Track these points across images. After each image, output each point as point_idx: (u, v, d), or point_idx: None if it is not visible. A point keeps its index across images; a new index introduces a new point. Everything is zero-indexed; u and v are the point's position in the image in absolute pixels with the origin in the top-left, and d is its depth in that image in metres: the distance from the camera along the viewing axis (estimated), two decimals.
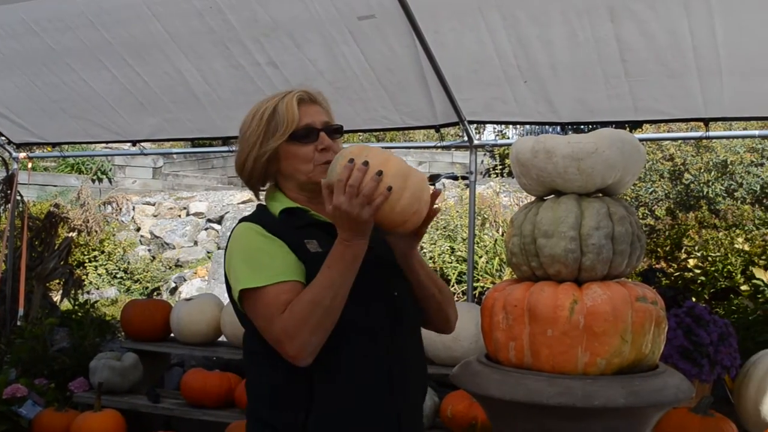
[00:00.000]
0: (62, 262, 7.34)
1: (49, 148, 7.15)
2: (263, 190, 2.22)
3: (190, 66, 4.99)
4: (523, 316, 1.87)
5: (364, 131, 6.16)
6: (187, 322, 5.27)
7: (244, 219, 2.12)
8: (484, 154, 13.60)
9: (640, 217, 8.22)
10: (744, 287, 5.98)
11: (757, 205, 7.94)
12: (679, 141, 8.27)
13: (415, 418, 2.18)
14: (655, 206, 8.51)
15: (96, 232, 10.68)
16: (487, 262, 8.16)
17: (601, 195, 1.98)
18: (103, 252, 10.70)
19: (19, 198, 7.01)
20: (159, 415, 5.14)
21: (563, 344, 1.81)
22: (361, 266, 1.93)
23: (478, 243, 8.29)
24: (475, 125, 5.53)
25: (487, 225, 9.07)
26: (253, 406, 2.11)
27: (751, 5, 3.70)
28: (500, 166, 11.49)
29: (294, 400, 1.98)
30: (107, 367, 5.10)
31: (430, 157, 14.08)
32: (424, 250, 8.50)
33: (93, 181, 13.12)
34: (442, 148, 10.24)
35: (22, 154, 6.71)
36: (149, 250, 11.10)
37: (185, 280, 10.05)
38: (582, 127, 5.13)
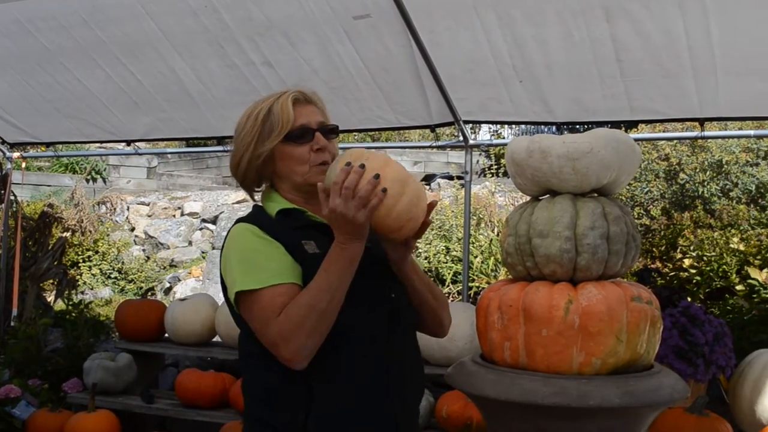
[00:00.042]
0: (56, 262, 7.33)
1: (43, 148, 7.14)
2: (258, 191, 2.21)
3: (185, 65, 4.98)
4: (518, 316, 1.86)
5: (359, 131, 6.16)
6: (181, 322, 5.26)
7: (240, 220, 2.10)
8: (480, 154, 13.61)
9: (636, 216, 8.23)
10: (739, 287, 5.98)
11: (752, 205, 7.95)
12: (675, 141, 8.28)
13: (412, 418, 2.18)
14: (651, 206, 8.52)
15: (90, 232, 10.66)
16: (482, 262, 8.16)
17: (596, 195, 1.98)
18: (97, 252, 10.68)
19: (12, 198, 7.00)
20: (153, 415, 5.12)
21: (558, 344, 1.81)
22: (359, 268, 1.92)
23: (473, 243, 8.29)
24: (470, 125, 5.53)
25: (483, 225, 9.08)
26: (251, 407, 2.11)
27: (746, 5, 3.70)
28: (495, 166, 11.50)
29: (293, 400, 1.98)
30: (101, 367, 5.09)
31: (425, 157, 14.09)
32: (420, 250, 8.50)
33: (87, 180, 13.10)
34: (438, 147, 10.23)
35: (16, 154, 6.69)
36: (143, 250, 11.08)
37: (180, 280, 10.03)
38: (577, 126, 5.13)
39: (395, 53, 4.55)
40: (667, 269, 6.92)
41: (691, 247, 6.92)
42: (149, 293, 10.13)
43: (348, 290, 1.91)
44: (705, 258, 6.55)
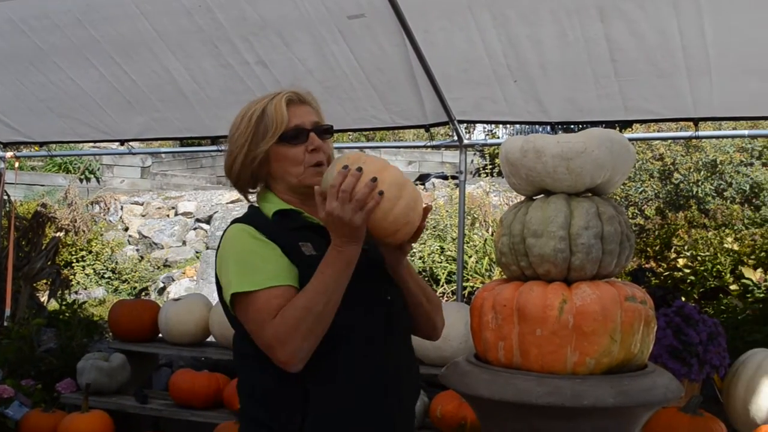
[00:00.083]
0: (49, 262, 7.32)
1: (36, 148, 7.12)
2: (253, 192, 2.20)
3: (179, 65, 4.97)
4: (512, 316, 1.86)
5: (354, 131, 6.16)
6: (175, 322, 5.25)
7: (236, 220, 2.10)
8: (474, 154, 13.62)
9: (630, 216, 8.24)
10: (733, 287, 6.00)
11: (746, 205, 7.97)
12: (669, 141, 8.30)
13: (408, 419, 2.18)
14: (645, 206, 8.54)
15: (84, 231, 10.64)
16: (476, 262, 8.17)
17: (590, 194, 1.98)
18: (90, 252, 10.66)
19: (5, 198, 6.98)
20: (147, 416, 5.11)
21: (552, 344, 1.80)
22: (356, 270, 1.92)
23: (467, 243, 8.30)
24: (465, 125, 5.53)
25: (477, 225, 9.08)
26: (246, 408, 2.10)
27: (740, 5, 3.71)
28: (490, 166, 11.51)
29: (289, 401, 1.97)
30: (95, 367, 5.07)
31: (419, 157, 14.09)
32: (414, 250, 8.50)
33: (81, 180, 13.07)
34: (432, 147, 10.25)
35: (9, 154, 6.67)
36: (137, 250, 11.06)
37: (173, 280, 10.02)
38: (572, 126, 5.13)
39: (390, 53, 4.55)
40: (661, 269, 6.94)
41: (686, 247, 6.93)
42: (143, 293, 10.11)
43: (345, 292, 1.91)
44: (699, 258, 6.56)
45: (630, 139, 3.06)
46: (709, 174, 8.21)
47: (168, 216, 11.71)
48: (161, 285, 10.04)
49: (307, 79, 4.71)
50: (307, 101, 2.15)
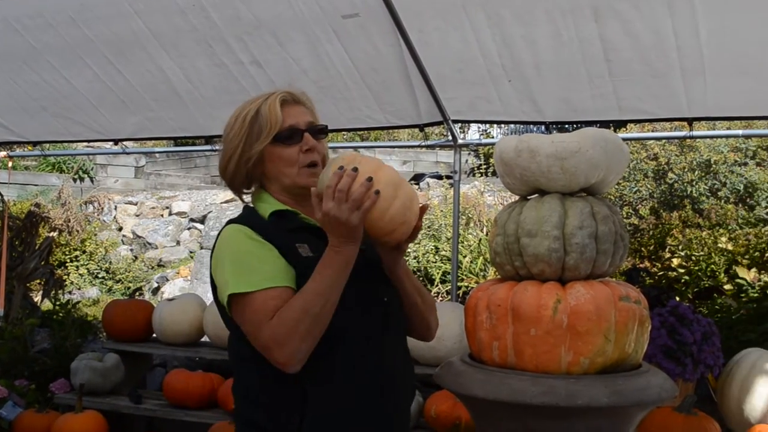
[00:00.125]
0: (43, 262, 7.30)
1: (29, 147, 7.09)
2: (247, 193, 2.20)
3: (173, 64, 4.96)
4: (506, 316, 1.86)
5: (348, 130, 6.16)
6: (169, 322, 5.24)
7: (231, 221, 2.09)
8: (469, 154, 13.64)
9: (624, 216, 8.25)
10: (727, 286, 6.01)
11: (740, 205, 7.99)
12: (663, 140, 8.31)
13: (404, 419, 2.18)
14: (639, 205, 8.55)
15: (77, 231, 10.62)
16: (471, 262, 8.17)
17: (584, 194, 1.98)
18: (84, 252, 10.64)
19: None
20: (141, 416, 5.10)
21: (547, 344, 1.80)
22: (353, 271, 1.92)
23: (462, 242, 8.30)
24: (459, 124, 5.53)
25: (472, 224, 9.08)
26: (242, 409, 2.09)
27: (735, 5, 3.71)
28: (485, 166, 11.52)
29: (286, 402, 1.97)
30: (89, 367, 5.06)
31: (414, 157, 14.10)
32: (409, 250, 8.49)
33: (74, 180, 13.05)
34: (427, 147, 10.24)
35: (2, 153, 6.66)
36: (131, 250, 11.04)
37: (168, 280, 10.00)
38: (566, 126, 5.14)
39: (384, 53, 4.55)
40: (655, 269, 6.94)
41: (680, 247, 6.94)
42: (137, 293, 10.09)
43: (342, 293, 1.90)
44: (693, 257, 6.57)
45: (624, 139, 3.07)
46: (703, 174, 8.22)
47: (162, 216, 11.69)
48: (155, 285, 10.03)
49: (301, 78, 4.70)
50: (302, 101, 2.15)
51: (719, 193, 8.06)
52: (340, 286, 1.89)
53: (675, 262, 6.66)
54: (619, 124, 7.89)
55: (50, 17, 4.63)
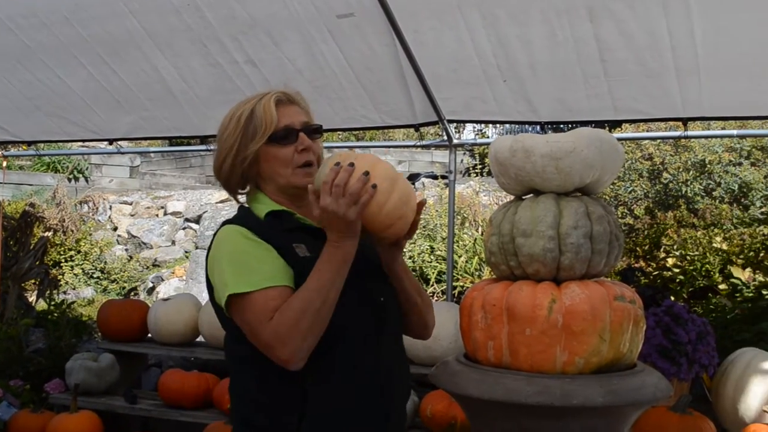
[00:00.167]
0: (38, 262, 7.28)
1: (24, 147, 7.07)
2: (242, 193, 2.19)
3: (167, 63, 4.95)
4: (501, 316, 1.86)
5: (343, 130, 6.16)
6: (164, 322, 5.23)
7: (227, 221, 2.08)
8: (464, 154, 13.64)
9: (619, 216, 8.26)
10: (722, 286, 6.01)
11: (735, 204, 8.00)
12: (658, 140, 8.33)
13: (400, 418, 2.18)
14: (634, 205, 8.56)
15: (72, 231, 10.59)
16: (466, 262, 8.17)
17: (579, 194, 1.98)
18: (79, 252, 10.62)
19: None
20: (136, 416, 5.10)
21: (542, 343, 1.81)
22: (349, 271, 1.91)
23: (457, 242, 8.30)
24: (454, 124, 5.53)
25: (467, 224, 9.08)
26: (240, 409, 2.08)
27: (729, 6, 3.72)
28: (480, 166, 11.52)
29: (285, 402, 1.96)
30: (83, 368, 5.06)
31: (409, 156, 14.10)
32: (404, 250, 8.48)
33: (69, 180, 13.02)
34: (422, 147, 10.24)
35: None
36: (126, 250, 11.02)
37: (163, 280, 9.99)
38: (561, 126, 5.14)
39: (379, 52, 4.54)
40: (650, 268, 6.94)
41: (675, 247, 6.94)
42: (132, 293, 10.07)
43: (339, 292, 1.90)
44: (688, 257, 6.57)
45: (619, 139, 3.06)
46: (698, 174, 8.24)
47: (157, 215, 11.67)
48: (150, 285, 10.01)
49: (296, 78, 4.70)
50: (296, 101, 2.14)
51: (714, 193, 8.08)
52: (340, 282, 1.89)
53: (670, 261, 6.66)
54: (614, 124, 7.90)
55: (44, 16, 4.62)
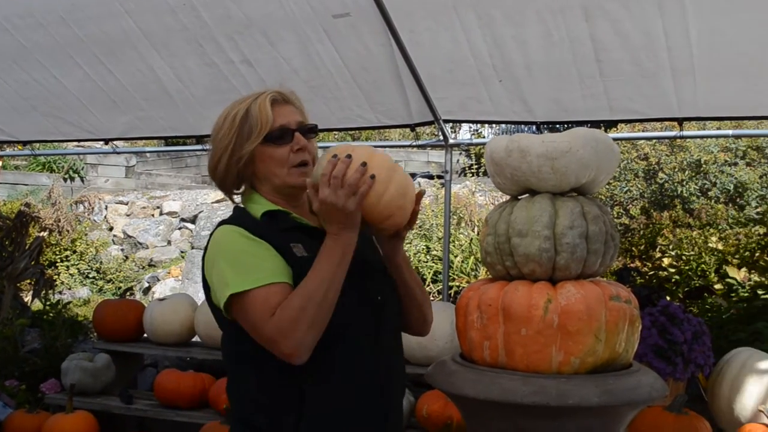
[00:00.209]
0: (33, 262, 7.26)
1: (19, 147, 7.06)
2: (237, 193, 2.19)
3: (163, 63, 4.94)
4: (497, 316, 1.86)
5: (339, 130, 6.15)
6: (160, 322, 5.23)
7: (224, 222, 2.07)
8: (460, 153, 13.64)
9: (615, 216, 8.27)
10: (718, 286, 6.02)
11: (730, 204, 8.01)
12: (654, 140, 8.33)
13: (398, 417, 2.18)
14: (630, 205, 8.57)
15: (68, 231, 10.58)
16: (462, 262, 8.17)
17: (575, 194, 1.98)
18: (75, 252, 10.60)
19: None
20: (132, 416, 5.09)
21: (537, 343, 1.81)
22: (347, 272, 1.91)
23: (453, 242, 8.30)
24: (450, 124, 5.53)
25: (463, 224, 9.09)
26: (239, 410, 2.07)
27: (725, 6, 3.72)
28: (476, 166, 11.52)
29: (283, 402, 1.96)
30: (79, 368, 5.05)
31: (405, 156, 14.10)
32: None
33: (65, 179, 12.99)
34: (418, 147, 10.22)
35: None
36: (122, 250, 11.01)
37: (159, 279, 9.97)
38: (557, 126, 5.14)
39: (375, 52, 4.54)
40: (646, 268, 6.96)
41: (670, 246, 6.95)
42: (128, 293, 10.06)
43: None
44: (684, 257, 6.59)
45: (615, 139, 3.07)
46: (693, 174, 8.25)
47: (153, 215, 11.65)
48: (146, 285, 10.00)
49: (292, 78, 4.69)
50: (291, 101, 2.14)
51: (709, 193, 8.08)
52: (341, 274, 1.88)
53: (665, 261, 6.68)
54: (610, 124, 7.91)
55: (40, 16, 4.62)
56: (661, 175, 8.37)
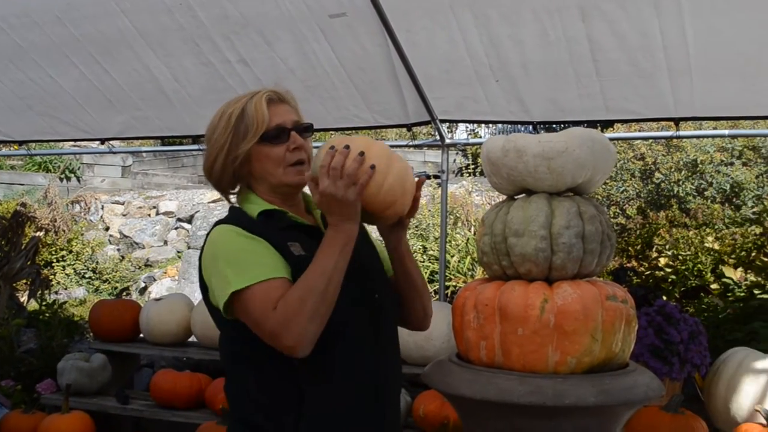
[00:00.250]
0: (29, 262, 7.25)
1: (15, 146, 7.05)
2: (233, 193, 2.18)
3: (159, 63, 4.94)
4: (494, 315, 1.86)
5: (336, 130, 6.15)
6: (156, 322, 5.22)
7: (220, 221, 2.06)
8: (457, 153, 13.65)
9: (611, 216, 8.28)
10: (714, 286, 6.03)
11: (726, 204, 8.02)
12: (650, 140, 8.34)
13: (396, 416, 2.17)
14: (626, 205, 8.58)
15: (64, 231, 10.57)
16: (459, 261, 8.17)
17: (571, 194, 1.98)
18: (71, 252, 10.59)
19: None
20: (128, 416, 5.08)
21: (534, 343, 1.81)
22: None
23: (450, 242, 8.30)
24: (447, 124, 5.53)
25: (459, 224, 9.09)
26: (237, 410, 2.06)
27: (721, 6, 3.73)
28: (473, 166, 11.53)
29: (282, 402, 1.95)
30: (75, 368, 5.04)
31: (402, 156, 14.08)
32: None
33: (61, 179, 12.97)
34: (414, 146, 10.23)
35: None
36: (118, 250, 11.00)
37: (155, 279, 9.97)
38: (554, 126, 5.15)
39: (372, 52, 4.54)
40: (642, 268, 6.96)
41: (667, 246, 6.96)
42: (124, 293, 10.05)
43: None
44: (680, 257, 6.59)
45: (611, 139, 3.07)
46: (689, 173, 8.26)
47: (149, 215, 11.64)
48: (142, 285, 9.99)
49: (288, 78, 4.69)
50: (286, 100, 2.14)
51: (706, 193, 8.10)
52: (343, 265, 1.88)
53: (662, 261, 6.68)
54: (606, 124, 7.93)
55: (36, 16, 4.61)
56: (657, 175, 8.38)
